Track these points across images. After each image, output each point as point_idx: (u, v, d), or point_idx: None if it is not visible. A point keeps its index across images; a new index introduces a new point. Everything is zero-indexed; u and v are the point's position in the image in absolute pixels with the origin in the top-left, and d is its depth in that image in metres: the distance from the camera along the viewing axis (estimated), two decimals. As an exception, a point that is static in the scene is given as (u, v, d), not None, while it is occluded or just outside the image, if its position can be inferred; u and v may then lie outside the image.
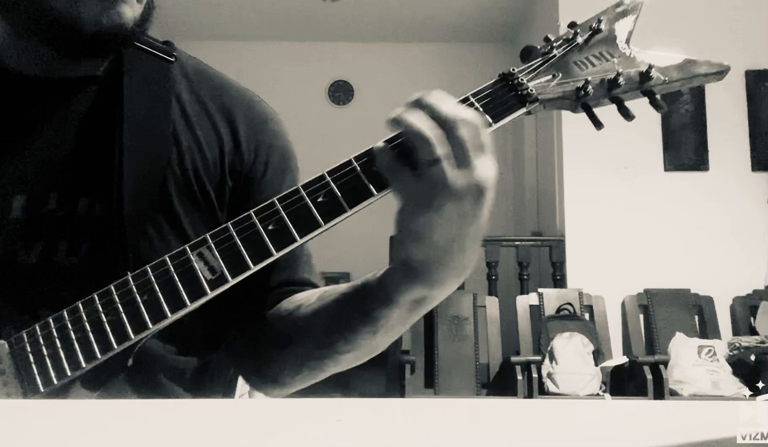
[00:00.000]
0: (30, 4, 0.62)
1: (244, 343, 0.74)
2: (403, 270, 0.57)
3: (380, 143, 0.55)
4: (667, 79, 0.59)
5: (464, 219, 0.53)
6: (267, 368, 0.72)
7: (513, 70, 0.61)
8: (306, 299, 0.69)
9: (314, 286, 0.75)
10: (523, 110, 0.59)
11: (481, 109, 0.58)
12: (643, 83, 0.60)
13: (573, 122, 3.87)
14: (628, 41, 0.63)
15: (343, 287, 0.66)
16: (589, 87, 0.60)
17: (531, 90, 0.59)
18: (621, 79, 0.60)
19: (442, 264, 0.55)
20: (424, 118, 0.52)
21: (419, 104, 0.53)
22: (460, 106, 0.54)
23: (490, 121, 0.57)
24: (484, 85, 0.59)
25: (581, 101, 0.61)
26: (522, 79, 0.60)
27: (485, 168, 0.52)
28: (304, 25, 5.43)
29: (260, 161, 0.73)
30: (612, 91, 0.60)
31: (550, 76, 0.61)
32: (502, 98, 0.59)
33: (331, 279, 5.17)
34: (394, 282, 0.58)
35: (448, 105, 0.53)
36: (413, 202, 0.53)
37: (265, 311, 0.72)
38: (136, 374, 0.63)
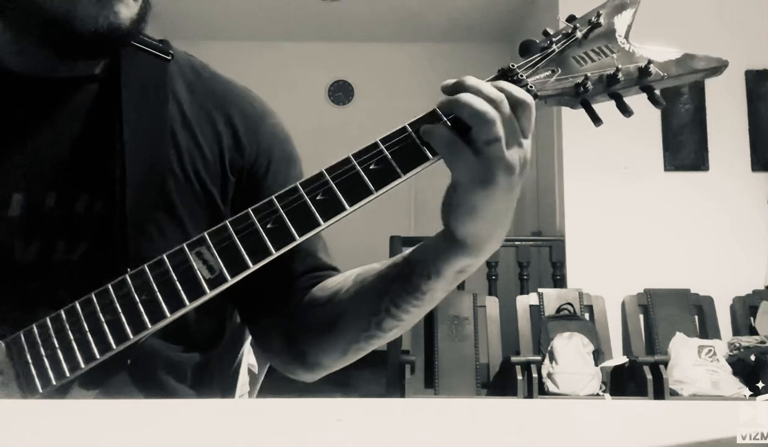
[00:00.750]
0: (26, 4, 0.62)
1: (279, 333, 0.73)
2: (451, 242, 0.59)
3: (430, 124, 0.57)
4: (665, 74, 0.59)
5: (510, 193, 0.57)
6: (309, 355, 0.71)
7: (512, 65, 0.61)
8: (340, 284, 0.70)
9: (337, 270, 0.75)
10: None
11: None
12: (642, 79, 0.60)
13: (573, 122, 3.88)
14: (626, 36, 0.63)
15: (379, 267, 0.67)
16: (588, 83, 0.60)
17: (530, 86, 0.59)
18: (620, 75, 0.60)
19: (489, 235, 0.59)
20: (481, 99, 0.54)
21: (469, 87, 0.55)
22: (513, 86, 0.57)
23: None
24: (485, 81, 0.59)
25: (580, 97, 0.61)
26: (521, 75, 0.60)
27: (528, 143, 0.56)
28: (304, 25, 5.43)
29: (262, 156, 0.74)
30: (611, 87, 0.60)
31: (549, 72, 0.61)
32: None
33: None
34: (440, 254, 0.61)
35: (512, 87, 0.56)
36: (471, 179, 0.55)
37: (298, 299, 0.72)
38: (137, 372, 0.64)
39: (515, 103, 0.55)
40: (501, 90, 0.55)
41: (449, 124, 0.56)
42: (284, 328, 0.73)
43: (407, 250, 0.65)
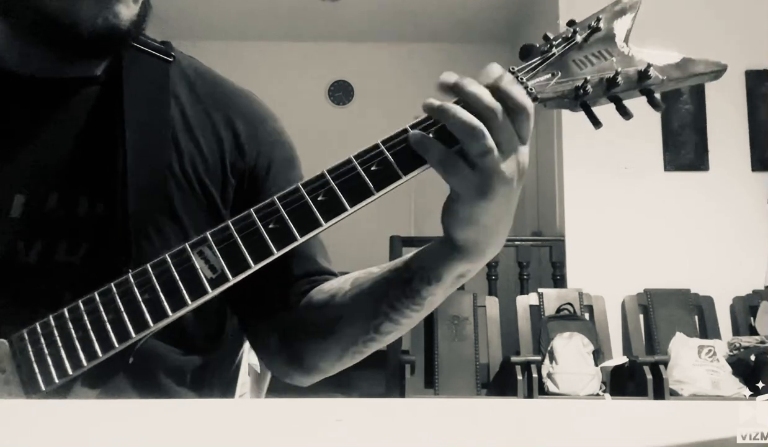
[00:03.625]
0: (27, 5, 0.62)
1: (275, 336, 0.73)
2: (451, 248, 0.59)
3: (420, 134, 0.56)
4: (665, 77, 0.60)
5: (510, 199, 0.57)
6: (305, 358, 0.71)
7: (512, 68, 0.61)
8: (339, 288, 0.69)
9: (335, 275, 0.75)
10: None
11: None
12: (642, 82, 0.60)
13: (573, 122, 3.87)
14: (626, 40, 0.63)
15: (378, 271, 0.67)
16: (588, 86, 0.60)
17: (530, 89, 0.59)
18: (619, 78, 0.60)
19: (488, 241, 0.59)
20: (467, 113, 0.53)
21: (467, 94, 0.54)
22: (511, 85, 0.55)
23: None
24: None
25: (580, 100, 0.61)
26: (521, 78, 0.60)
27: (526, 148, 0.56)
28: (304, 25, 5.43)
29: (263, 158, 0.73)
30: (611, 90, 0.60)
31: (549, 75, 0.61)
32: None
33: (331, 279, 5.17)
34: (440, 260, 0.61)
35: (514, 89, 0.55)
36: (468, 190, 0.55)
37: (296, 302, 0.72)
38: (137, 373, 0.64)
39: (513, 109, 0.54)
40: (499, 94, 0.54)
41: (439, 132, 0.55)
42: (281, 332, 0.72)
43: (406, 255, 0.65)
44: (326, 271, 0.75)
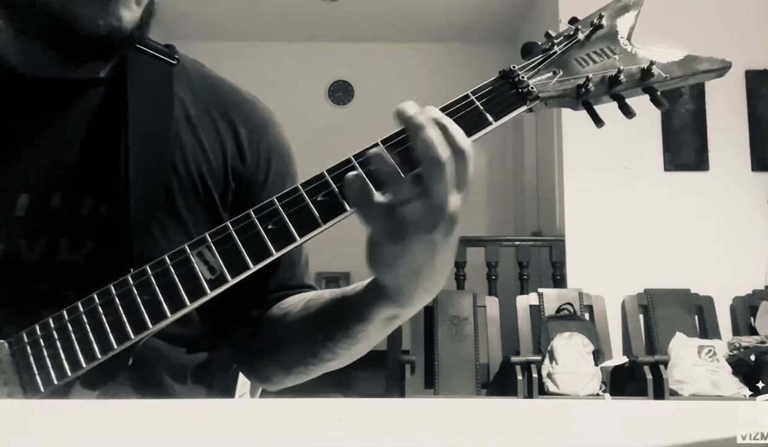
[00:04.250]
0: (32, 7, 0.62)
1: (241, 343, 0.76)
2: (377, 290, 0.58)
3: (353, 172, 0.53)
4: (668, 75, 0.59)
5: (434, 248, 0.51)
6: (260, 370, 0.74)
7: (514, 67, 0.60)
8: (293, 306, 0.71)
9: (311, 288, 0.77)
10: (524, 108, 0.59)
11: (482, 108, 0.57)
12: (645, 80, 0.59)
13: (573, 122, 3.87)
14: (629, 37, 0.63)
15: (325, 297, 0.67)
16: (590, 84, 0.60)
17: (532, 88, 0.59)
18: (622, 77, 0.59)
19: (412, 288, 0.55)
20: (443, 142, 0.49)
21: (437, 122, 0.50)
22: (455, 130, 0.50)
23: (491, 119, 0.57)
24: (485, 83, 0.59)
25: (582, 99, 0.60)
26: (523, 77, 0.59)
27: (457, 199, 0.50)
28: (304, 25, 5.43)
29: (262, 166, 0.74)
30: (613, 88, 0.60)
31: (551, 73, 0.61)
32: (502, 96, 0.59)
33: (331, 279, 5.16)
34: (369, 300, 0.59)
35: (457, 132, 0.50)
36: (382, 233, 0.51)
37: (260, 314, 0.74)
38: (137, 372, 0.64)
39: (455, 151, 0.49)
40: (445, 132, 0.49)
41: (358, 172, 0.53)
42: (245, 340, 0.75)
43: (351, 286, 0.64)
44: (301, 285, 0.76)
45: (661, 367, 3.25)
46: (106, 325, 0.55)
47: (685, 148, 3.94)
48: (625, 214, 3.87)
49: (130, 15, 0.63)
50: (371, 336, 0.63)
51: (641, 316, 3.75)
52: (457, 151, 0.49)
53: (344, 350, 0.64)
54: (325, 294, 0.68)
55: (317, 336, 0.65)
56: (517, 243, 3.98)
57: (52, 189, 0.65)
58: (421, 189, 0.49)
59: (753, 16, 3.92)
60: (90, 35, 0.62)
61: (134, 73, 0.70)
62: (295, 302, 0.72)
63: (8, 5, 0.63)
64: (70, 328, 0.55)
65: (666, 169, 3.94)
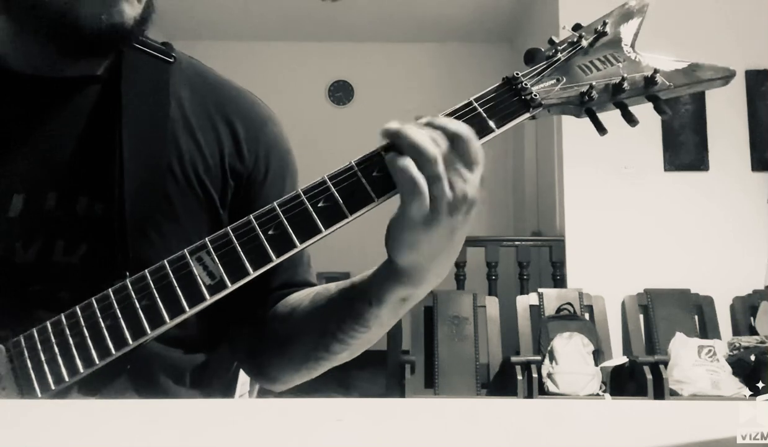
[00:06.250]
0: (30, 3, 0.62)
1: (244, 343, 0.75)
2: (391, 272, 0.59)
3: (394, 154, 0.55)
4: (672, 84, 0.59)
5: (454, 231, 0.55)
6: (267, 369, 0.73)
7: (517, 74, 0.60)
8: (299, 302, 0.71)
9: (313, 284, 0.76)
10: (527, 115, 0.59)
11: (484, 114, 0.57)
12: (648, 88, 0.59)
13: (573, 122, 3.85)
14: (633, 44, 0.62)
15: (333, 288, 0.67)
16: (594, 92, 0.59)
17: (535, 95, 0.59)
18: (626, 84, 0.59)
19: (429, 269, 0.57)
20: (425, 133, 0.53)
21: (418, 120, 0.54)
22: (454, 120, 0.55)
23: (494, 126, 0.57)
24: (488, 89, 0.59)
25: (585, 106, 0.60)
26: (526, 84, 0.59)
27: (476, 182, 0.54)
28: (304, 25, 5.43)
29: (261, 164, 0.74)
30: (616, 96, 0.59)
31: (554, 81, 0.60)
32: (505, 103, 0.58)
33: (331, 279, 5.15)
34: (382, 283, 0.60)
35: (446, 120, 0.54)
36: (418, 215, 0.53)
37: (265, 313, 0.73)
38: (137, 372, 0.64)
39: (452, 138, 0.53)
40: (434, 127, 0.54)
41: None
42: (249, 339, 0.74)
43: (357, 276, 0.65)
44: (304, 283, 0.76)
45: (661, 367, 3.25)
46: (105, 330, 0.54)
47: (685, 148, 3.94)
48: (625, 214, 3.86)
49: (131, 10, 0.63)
50: (383, 321, 0.63)
51: (641, 316, 3.75)
52: (450, 136, 0.53)
53: (356, 339, 0.64)
54: (332, 286, 0.68)
55: (329, 326, 0.65)
56: (517, 243, 3.98)
57: (47, 189, 0.65)
58: (451, 167, 0.53)
59: (753, 16, 3.91)
60: (91, 30, 0.62)
61: (130, 71, 0.70)
62: (301, 298, 0.71)
63: (6, 2, 0.63)
64: (69, 333, 0.55)
65: (666, 169, 3.94)
